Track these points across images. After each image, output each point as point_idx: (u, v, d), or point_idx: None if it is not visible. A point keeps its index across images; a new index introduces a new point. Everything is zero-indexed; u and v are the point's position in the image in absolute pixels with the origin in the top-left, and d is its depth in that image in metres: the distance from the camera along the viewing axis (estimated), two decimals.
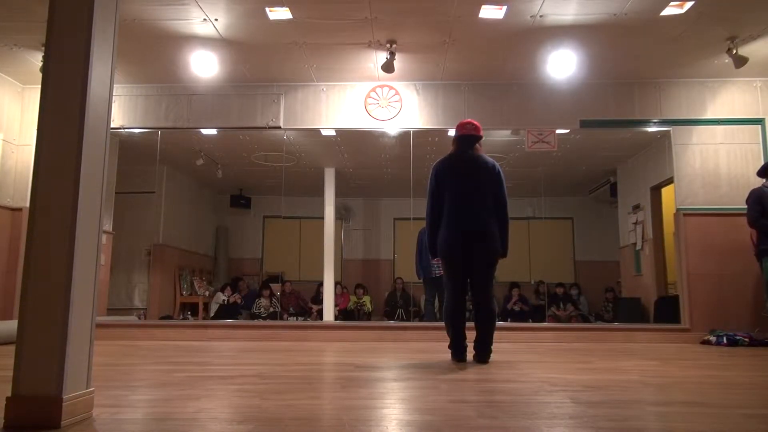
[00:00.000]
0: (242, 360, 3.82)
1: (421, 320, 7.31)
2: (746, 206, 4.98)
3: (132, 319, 6.50)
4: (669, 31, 4.84)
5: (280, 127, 5.98)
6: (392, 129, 6.02)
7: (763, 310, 5.03)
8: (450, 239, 3.59)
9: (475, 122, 3.80)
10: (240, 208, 9.03)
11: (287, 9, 4.52)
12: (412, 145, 6.10)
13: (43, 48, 4.13)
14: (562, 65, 5.31)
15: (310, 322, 6.99)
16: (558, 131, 5.91)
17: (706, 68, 5.58)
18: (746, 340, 4.99)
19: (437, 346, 4.83)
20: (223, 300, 7.71)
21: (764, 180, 4.98)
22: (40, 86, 1.89)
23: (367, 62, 5.50)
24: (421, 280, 6.92)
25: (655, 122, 5.85)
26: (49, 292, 1.77)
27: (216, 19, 4.71)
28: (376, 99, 5.94)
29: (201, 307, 7.92)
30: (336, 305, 7.19)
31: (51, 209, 1.81)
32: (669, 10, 4.49)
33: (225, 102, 6.00)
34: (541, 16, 4.62)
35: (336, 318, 6.98)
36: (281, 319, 7.22)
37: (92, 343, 1.91)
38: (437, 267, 6.15)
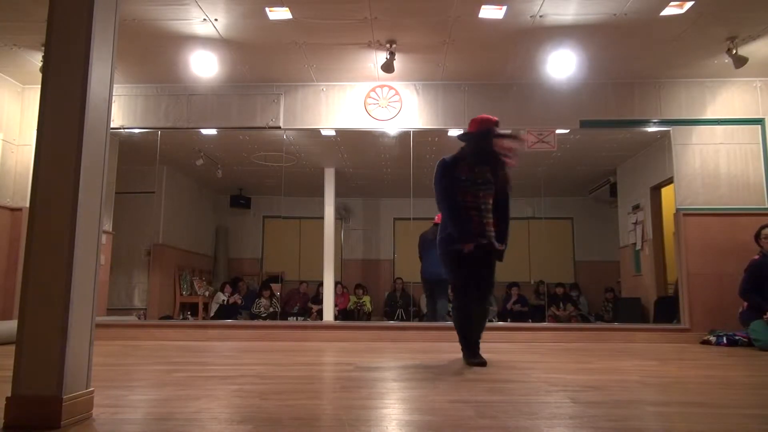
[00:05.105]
0: (242, 360, 3.82)
1: (421, 320, 7.32)
2: (743, 273, 5.08)
3: (132, 319, 6.49)
4: (669, 31, 4.84)
5: (279, 127, 5.98)
6: (392, 129, 6.02)
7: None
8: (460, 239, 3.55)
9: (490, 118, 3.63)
10: (240, 208, 9.02)
11: (287, 9, 4.52)
12: (412, 145, 6.10)
13: (43, 48, 4.13)
14: (561, 65, 5.31)
15: (310, 322, 6.99)
16: (558, 131, 5.91)
17: (705, 68, 5.58)
18: (746, 340, 4.98)
19: (437, 346, 4.83)
20: (223, 300, 7.72)
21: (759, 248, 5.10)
22: (40, 86, 1.89)
23: (367, 62, 5.50)
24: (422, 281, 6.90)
25: (654, 122, 5.85)
26: (49, 292, 1.77)
27: (216, 19, 4.71)
28: (376, 99, 5.94)
29: (201, 307, 7.92)
30: (336, 305, 7.19)
31: (51, 209, 1.81)
32: (669, 10, 4.49)
33: (225, 102, 6.00)
34: (541, 16, 4.62)
35: (336, 318, 6.98)
36: (283, 316, 7.21)
37: (92, 343, 1.91)
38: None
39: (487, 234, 3.51)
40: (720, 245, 5.52)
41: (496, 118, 3.62)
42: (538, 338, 5.51)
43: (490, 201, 3.56)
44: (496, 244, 3.52)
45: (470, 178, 3.53)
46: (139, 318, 6.71)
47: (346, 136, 6.33)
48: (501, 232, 3.58)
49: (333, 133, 6.17)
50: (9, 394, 1.73)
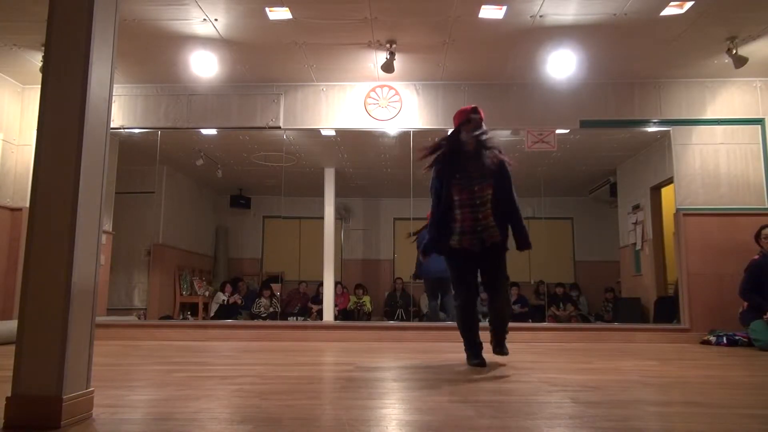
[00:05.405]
0: (242, 360, 3.82)
1: (421, 320, 7.31)
2: (743, 273, 5.08)
3: (132, 319, 6.49)
4: (669, 31, 4.84)
5: (279, 127, 5.98)
6: (392, 129, 6.02)
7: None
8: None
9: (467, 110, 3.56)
10: (240, 208, 9.03)
11: (287, 9, 4.52)
12: (412, 145, 6.09)
13: (43, 48, 4.12)
14: (562, 65, 5.31)
15: (310, 322, 6.99)
16: (558, 131, 5.91)
17: (706, 68, 5.58)
18: (746, 340, 4.98)
19: (437, 346, 4.83)
20: (223, 300, 7.72)
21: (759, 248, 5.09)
22: (40, 86, 1.89)
23: (367, 62, 5.50)
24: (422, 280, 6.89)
25: (654, 122, 5.85)
26: (49, 292, 1.77)
27: (216, 19, 4.71)
28: (376, 99, 5.94)
29: (201, 307, 7.92)
30: (336, 305, 7.19)
31: (51, 209, 1.81)
32: (669, 10, 4.49)
33: (225, 102, 6.00)
34: (541, 16, 4.62)
35: (336, 318, 6.98)
36: (283, 316, 7.21)
37: (92, 343, 1.91)
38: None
39: (483, 228, 3.40)
40: (720, 245, 5.52)
41: (470, 107, 3.53)
42: (538, 338, 5.51)
43: (488, 192, 3.44)
44: (496, 232, 3.40)
45: (465, 175, 3.47)
46: (139, 318, 6.71)
47: (346, 136, 6.32)
48: (507, 227, 3.46)
49: (333, 133, 6.17)
50: (9, 394, 1.73)
